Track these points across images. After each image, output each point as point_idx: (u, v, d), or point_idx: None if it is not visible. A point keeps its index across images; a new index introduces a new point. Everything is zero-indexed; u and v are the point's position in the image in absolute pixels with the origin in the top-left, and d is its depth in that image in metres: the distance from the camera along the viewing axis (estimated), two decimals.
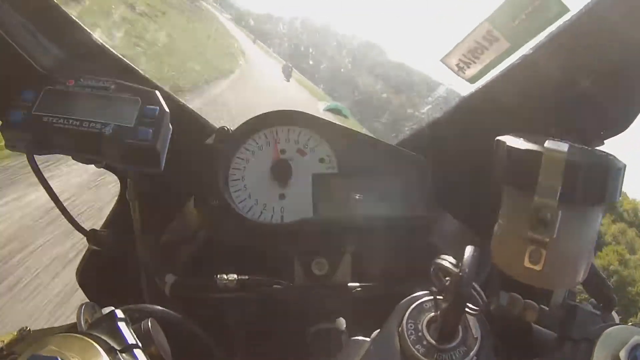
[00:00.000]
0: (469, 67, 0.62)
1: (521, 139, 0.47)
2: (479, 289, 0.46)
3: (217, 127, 0.76)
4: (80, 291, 0.81)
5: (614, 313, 0.53)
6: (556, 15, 0.58)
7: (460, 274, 0.43)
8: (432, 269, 0.48)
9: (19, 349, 0.48)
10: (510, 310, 0.50)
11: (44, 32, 0.69)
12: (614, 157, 0.47)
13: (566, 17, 0.60)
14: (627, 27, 0.60)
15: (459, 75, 0.63)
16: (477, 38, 0.60)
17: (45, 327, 0.55)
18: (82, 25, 0.72)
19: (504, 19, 0.59)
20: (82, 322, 0.48)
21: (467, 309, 0.45)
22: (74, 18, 0.71)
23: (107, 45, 0.73)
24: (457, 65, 0.63)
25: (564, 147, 0.44)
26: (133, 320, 0.49)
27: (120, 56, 0.74)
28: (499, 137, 0.49)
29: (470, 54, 0.61)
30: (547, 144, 0.44)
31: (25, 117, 0.56)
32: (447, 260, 0.46)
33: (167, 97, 0.66)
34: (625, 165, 0.46)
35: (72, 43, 0.71)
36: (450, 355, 0.43)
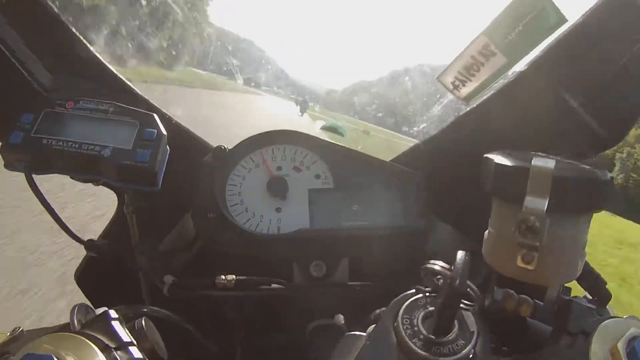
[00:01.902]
0: (464, 86, 0.63)
1: (508, 155, 0.48)
2: (472, 285, 0.47)
3: (214, 146, 0.77)
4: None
5: (608, 307, 0.53)
6: (554, 25, 0.58)
7: (453, 270, 0.43)
8: (422, 273, 0.48)
9: (12, 349, 0.47)
10: (505, 305, 0.50)
11: (45, 48, 0.70)
12: (601, 170, 0.48)
13: (563, 29, 0.60)
14: (620, 40, 0.61)
15: (453, 94, 0.64)
16: (474, 53, 0.61)
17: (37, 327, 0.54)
18: (84, 41, 0.72)
19: (500, 32, 0.59)
20: (75, 322, 0.47)
21: (461, 305, 0.45)
22: (77, 34, 0.72)
23: (107, 64, 0.74)
24: (453, 83, 0.63)
25: (550, 163, 0.45)
26: (127, 320, 0.49)
27: (120, 76, 0.75)
28: (486, 155, 0.50)
29: (466, 71, 0.62)
30: (534, 160, 0.45)
31: (25, 138, 0.57)
32: (437, 264, 0.47)
33: (165, 118, 0.67)
34: (612, 177, 0.47)
35: (73, 61, 0.72)
36: (448, 348, 0.43)
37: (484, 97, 0.69)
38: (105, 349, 0.43)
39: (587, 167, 0.49)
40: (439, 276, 0.47)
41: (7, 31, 0.66)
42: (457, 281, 0.42)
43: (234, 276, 0.63)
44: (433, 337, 0.44)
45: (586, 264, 0.53)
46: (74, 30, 0.72)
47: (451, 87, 0.64)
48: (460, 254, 0.44)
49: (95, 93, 0.65)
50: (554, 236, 0.45)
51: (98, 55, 0.73)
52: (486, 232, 0.52)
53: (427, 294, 0.48)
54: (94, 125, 0.60)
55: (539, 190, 0.44)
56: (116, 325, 0.46)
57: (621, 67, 0.62)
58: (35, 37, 0.69)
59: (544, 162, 0.45)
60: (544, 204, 0.44)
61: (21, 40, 0.67)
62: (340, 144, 0.78)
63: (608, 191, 0.46)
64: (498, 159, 0.48)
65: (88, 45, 0.73)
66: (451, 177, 0.76)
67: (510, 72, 0.64)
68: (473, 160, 0.55)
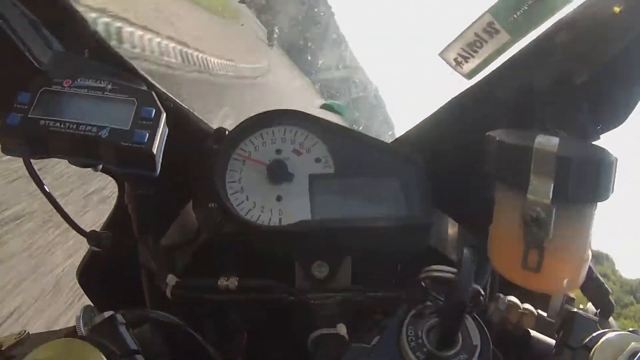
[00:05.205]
0: (467, 62, 0.62)
1: (512, 133, 0.47)
2: (478, 287, 0.46)
3: (214, 127, 0.76)
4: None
5: (611, 319, 0.54)
6: (559, 5, 0.57)
7: (458, 278, 0.43)
8: (422, 281, 0.48)
9: (18, 353, 0.48)
10: (508, 316, 0.51)
11: (44, 24, 0.67)
12: (606, 150, 0.46)
13: (569, 7, 0.58)
14: (626, 17, 0.58)
15: (456, 71, 0.63)
16: (477, 30, 0.60)
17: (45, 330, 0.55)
18: (83, 17, 0.70)
19: (506, 11, 0.58)
20: (82, 326, 0.48)
21: (467, 310, 0.45)
22: (77, 10, 0.70)
23: (106, 41, 0.72)
24: (455, 59, 0.62)
25: (554, 141, 0.43)
26: (133, 324, 0.49)
27: (119, 52, 0.73)
28: (489, 132, 0.49)
29: (469, 47, 0.61)
30: (538, 138, 0.43)
31: (22, 120, 0.56)
32: (440, 270, 0.46)
33: (163, 96, 0.65)
34: (617, 159, 0.45)
35: (72, 36, 0.70)
36: None
37: (486, 74, 0.67)
38: (111, 356, 0.43)
39: (593, 146, 0.47)
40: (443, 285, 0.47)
41: (8, 7, 0.64)
42: (462, 292, 0.42)
43: (236, 279, 0.62)
44: (436, 350, 0.44)
45: (590, 271, 0.53)
46: (75, 8, 0.70)
47: (454, 63, 0.63)
48: (466, 254, 0.43)
49: (93, 69, 0.63)
50: (559, 230, 0.45)
51: (97, 30, 0.72)
52: (490, 227, 0.51)
53: (433, 302, 0.48)
54: (91, 104, 0.59)
55: (543, 172, 0.42)
56: (123, 331, 0.46)
57: (623, 50, 0.60)
58: (33, 12, 0.66)
59: (548, 140, 0.43)
60: (549, 189, 0.42)
61: (21, 15, 0.65)
62: (340, 123, 0.77)
63: (613, 176, 0.44)
64: (501, 136, 0.47)
65: (87, 20, 0.71)
66: (455, 161, 0.74)
67: (514, 48, 0.62)
68: (475, 140, 0.53)
